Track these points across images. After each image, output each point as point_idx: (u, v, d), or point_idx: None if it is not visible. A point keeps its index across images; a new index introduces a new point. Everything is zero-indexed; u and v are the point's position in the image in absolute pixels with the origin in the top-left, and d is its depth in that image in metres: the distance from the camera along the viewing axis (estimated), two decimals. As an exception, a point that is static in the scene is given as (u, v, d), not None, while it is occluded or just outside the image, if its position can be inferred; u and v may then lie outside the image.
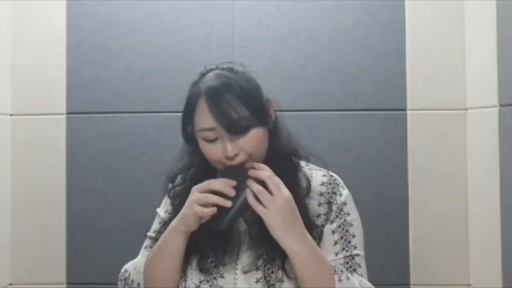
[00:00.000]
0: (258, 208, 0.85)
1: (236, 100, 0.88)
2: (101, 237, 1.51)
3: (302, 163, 1.02)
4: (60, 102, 1.53)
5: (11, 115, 1.54)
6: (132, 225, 1.49)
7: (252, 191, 0.85)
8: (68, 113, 1.53)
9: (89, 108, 1.52)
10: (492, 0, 1.34)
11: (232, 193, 0.87)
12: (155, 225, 1.05)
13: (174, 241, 0.92)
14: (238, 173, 0.88)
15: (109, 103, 1.52)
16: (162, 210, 1.05)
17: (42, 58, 1.53)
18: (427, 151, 1.48)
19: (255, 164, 0.89)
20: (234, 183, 0.87)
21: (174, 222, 0.92)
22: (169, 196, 1.03)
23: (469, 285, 1.46)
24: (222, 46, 1.51)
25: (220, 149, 0.90)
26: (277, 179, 0.87)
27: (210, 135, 0.90)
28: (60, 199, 1.52)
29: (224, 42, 1.51)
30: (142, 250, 1.04)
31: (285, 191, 0.86)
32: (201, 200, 0.87)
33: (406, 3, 1.49)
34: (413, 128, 1.48)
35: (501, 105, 1.31)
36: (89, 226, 1.51)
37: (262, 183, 0.86)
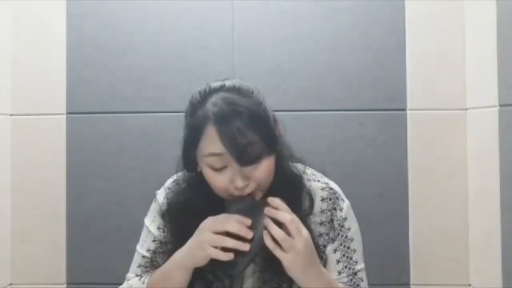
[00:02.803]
0: (277, 252, 0.81)
1: (247, 127, 0.82)
2: (101, 237, 1.51)
3: (301, 169, 1.00)
4: (60, 102, 1.53)
5: (11, 115, 1.53)
6: (132, 225, 1.48)
7: (269, 233, 0.81)
8: (68, 113, 1.53)
9: (89, 108, 1.52)
10: (492, 0, 1.34)
11: (249, 235, 0.82)
12: (148, 243, 1.01)
13: (180, 276, 0.88)
14: (250, 206, 0.84)
15: (109, 103, 1.52)
16: (153, 226, 1.01)
17: (42, 58, 1.53)
18: (427, 151, 1.48)
19: (271, 200, 0.84)
20: (249, 222, 0.82)
21: (180, 258, 0.88)
22: (162, 216, 1.00)
23: (469, 285, 1.46)
24: (222, 46, 1.51)
25: (228, 178, 0.85)
26: (297, 220, 0.83)
27: (218, 162, 0.84)
28: (60, 199, 1.52)
29: (224, 42, 1.51)
30: (135, 269, 1.01)
31: (305, 233, 0.83)
32: (215, 242, 0.82)
33: (406, 3, 1.49)
34: (413, 128, 1.48)
35: (501, 105, 1.31)
36: (89, 226, 1.51)
37: (279, 221, 0.82)
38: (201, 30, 1.51)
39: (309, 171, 1.01)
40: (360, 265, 0.96)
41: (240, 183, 0.84)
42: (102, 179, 1.52)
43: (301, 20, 1.50)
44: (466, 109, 1.48)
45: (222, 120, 0.82)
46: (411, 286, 1.47)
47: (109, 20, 1.53)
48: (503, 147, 1.29)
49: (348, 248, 0.95)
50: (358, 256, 0.96)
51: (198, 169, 0.90)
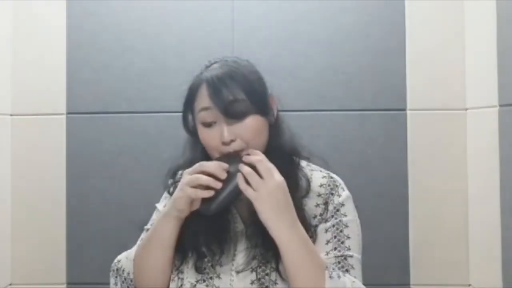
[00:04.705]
0: (248, 192, 0.83)
1: (236, 85, 0.89)
2: (101, 237, 1.51)
3: (303, 163, 1.01)
4: (60, 102, 1.53)
5: (11, 115, 1.53)
6: (132, 225, 1.47)
7: (243, 176, 0.84)
8: (68, 113, 1.53)
9: (89, 108, 1.52)
10: (492, 0, 1.34)
11: (223, 175, 0.85)
12: (154, 219, 1.04)
13: (166, 226, 0.91)
14: (233, 160, 0.87)
15: (109, 103, 1.52)
16: (161, 205, 1.04)
17: (42, 58, 1.53)
18: (427, 151, 1.48)
19: (250, 150, 0.88)
20: (226, 166, 0.86)
21: (165, 209, 0.92)
22: (168, 192, 1.03)
23: (469, 285, 1.46)
24: (222, 46, 1.51)
25: (217, 135, 0.89)
26: (269, 164, 0.85)
27: (208, 116, 0.90)
28: (60, 199, 1.52)
29: (224, 42, 1.51)
30: (138, 242, 1.03)
31: (277, 176, 0.85)
32: (192, 182, 0.85)
33: (406, 3, 1.49)
34: (413, 128, 1.48)
35: (501, 105, 1.31)
36: (89, 226, 1.51)
37: (255, 168, 0.85)
38: (201, 30, 1.51)
39: (314, 165, 1.03)
40: (353, 253, 0.92)
41: (225, 136, 0.88)
42: (102, 179, 1.52)
43: (301, 20, 1.50)
44: (466, 109, 1.48)
45: (213, 78, 0.90)
46: (411, 286, 1.47)
47: (109, 20, 1.53)
48: (503, 147, 1.29)
49: (341, 231, 0.93)
50: (353, 244, 0.93)
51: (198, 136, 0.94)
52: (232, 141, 0.89)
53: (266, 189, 0.83)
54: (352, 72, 1.49)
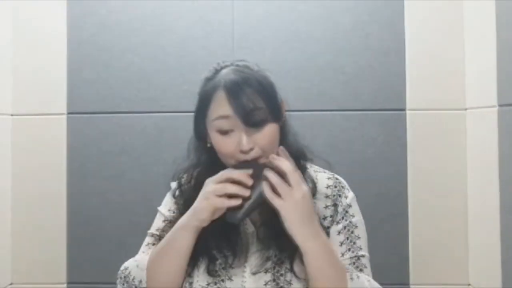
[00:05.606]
0: (275, 201, 0.83)
1: (254, 93, 0.88)
2: (101, 237, 1.51)
3: (307, 165, 1.01)
4: (60, 102, 1.53)
5: (11, 115, 1.54)
6: (132, 225, 1.49)
7: (269, 183, 0.84)
8: (68, 113, 1.53)
9: (89, 108, 1.53)
10: (492, 0, 1.34)
11: (249, 182, 0.85)
12: (158, 223, 1.04)
13: (183, 238, 0.90)
14: (253, 167, 0.87)
15: (109, 103, 1.52)
16: (165, 209, 1.04)
17: (42, 58, 1.54)
18: (427, 151, 1.48)
19: (276, 157, 0.87)
20: (250, 171, 0.86)
21: (184, 219, 0.91)
22: (173, 196, 1.02)
23: (469, 285, 1.46)
24: (222, 46, 1.51)
25: (234, 142, 0.88)
26: (299, 173, 0.86)
27: (226, 124, 0.88)
28: (60, 199, 1.52)
29: (224, 42, 1.51)
30: (143, 248, 1.03)
31: (305, 187, 0.86)
32: (218, 191, 0.85)
33: (406, 3, 1.49)
34: (412, 128, 1.48)
35: (500, 105, 1.31)
36: (89, 226, 1.51)
37: (279, 174, 0.85)
38: (201, 30, 1.52)
39: (316, 166, 1.04)
40: (364, 252, 0.96)
41: (245, 145, 0.87)
42: (102, 179, 1.52)
43: (301, 20, 1.50)
44: (465, 109, 1.48)
45: (231, 85, 0.88)
46: (411, 286, 1.47)
47: (109, 20, 1.53)
48: (502, 147, 1.29)
49: (352, 233, 0.96)
50: (362, 243, 0.97)
51: (208, 142, 0.94)
52: (250, 149, 0.88)
53: (293, 198, 0.83)
54: (352, 72, 1.49)
